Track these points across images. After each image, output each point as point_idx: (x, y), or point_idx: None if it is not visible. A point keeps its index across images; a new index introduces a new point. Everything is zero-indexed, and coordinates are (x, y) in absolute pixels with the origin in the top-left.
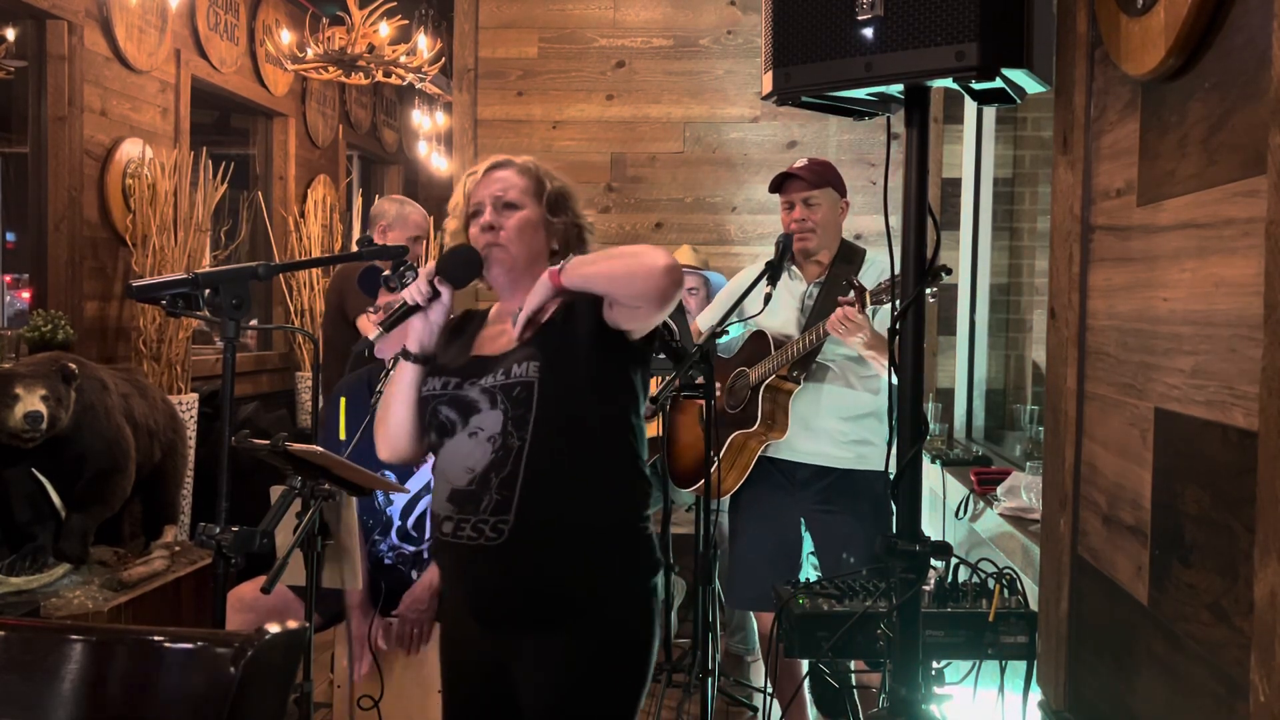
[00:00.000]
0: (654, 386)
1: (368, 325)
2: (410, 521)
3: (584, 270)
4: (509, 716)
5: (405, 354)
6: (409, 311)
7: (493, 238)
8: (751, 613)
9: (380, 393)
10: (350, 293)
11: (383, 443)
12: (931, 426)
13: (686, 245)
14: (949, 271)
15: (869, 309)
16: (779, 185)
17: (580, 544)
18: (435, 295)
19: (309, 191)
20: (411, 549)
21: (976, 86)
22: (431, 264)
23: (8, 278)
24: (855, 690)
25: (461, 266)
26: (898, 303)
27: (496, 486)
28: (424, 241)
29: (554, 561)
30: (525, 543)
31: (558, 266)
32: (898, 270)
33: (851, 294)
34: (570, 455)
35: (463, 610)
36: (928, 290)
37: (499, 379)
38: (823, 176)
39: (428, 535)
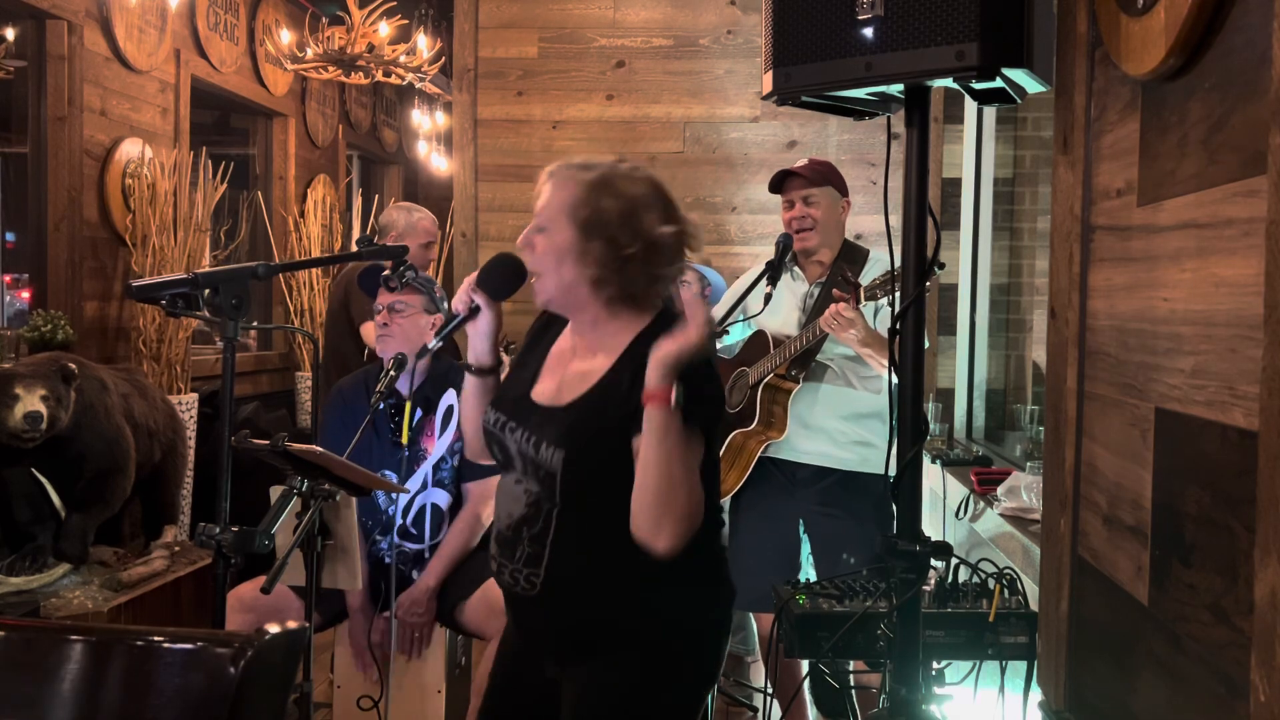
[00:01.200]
0: None
1: (371, 331)
2: (410, 519)
3: (654, 448)
4: None
5: (465, 365)
6: (453, 322)
7: (529, 262)
8: (751, 613)
9: (380, 392)
10: (355, 296)
11: (467, 445)
12: (931, 426)
13: None
14: (943, 266)
15: (865, 305)
16: (779, 184)
17: (618, 592)
18: (475, 306)
19: (309, 191)
20: (412, 547)
21: (976, 86)
22: (470, 277)
23: (7, 278)
24: (855, 690)
25: (500, 278)
26: (896, 300)
27: (529, 540)
28: (435, 246)
29: (591, 610)
30: (557, 596)
31: (671, 399)
32: (898, 269)
33: (848, 289)
34: (602, 523)
35: (512, 638)
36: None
37: (529, 449)
38: (823, 175)
39: (428, 533)
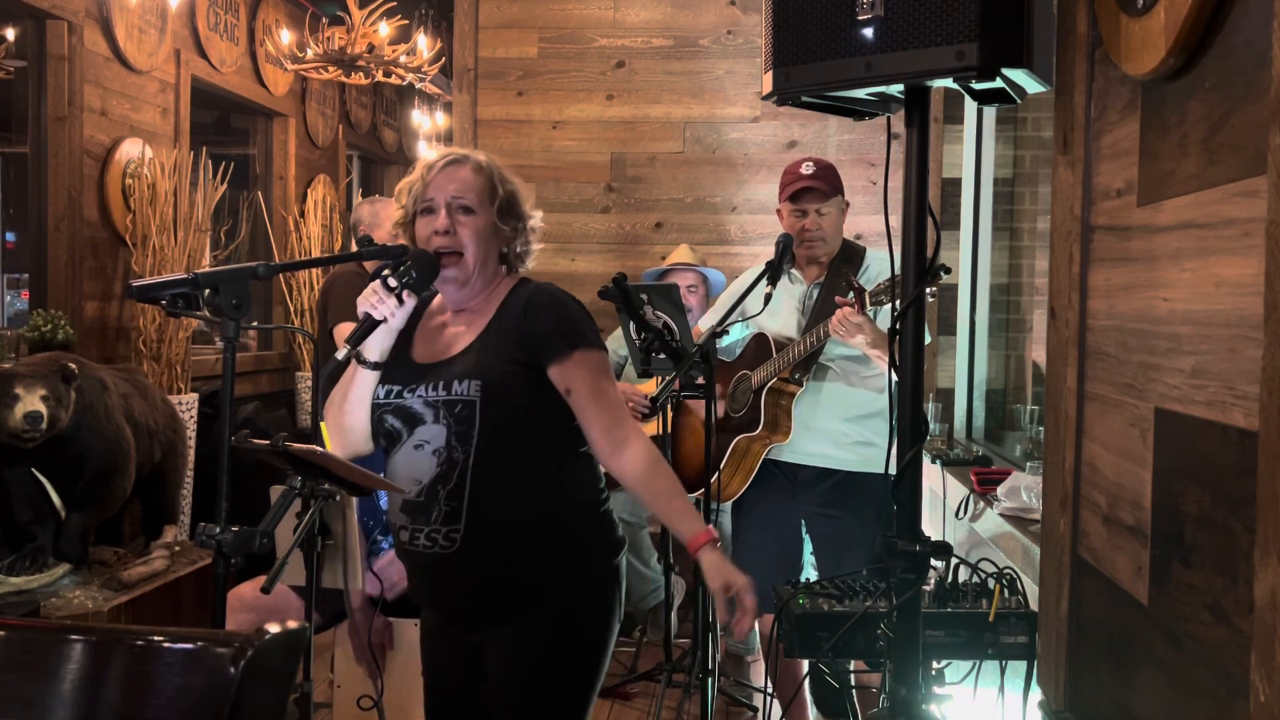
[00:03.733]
0: (654, 386)
1: (345, 333)
2: None
3: (695, 516)
4: (478, 695)
5: (363, 361)
6: (375, 324)
7: (447, 242)
8: None
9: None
10: (332, 301)
11: (337, 443)
12: (931, 426)
13: (684, 244)
14: (948, 270)
15: (869, 309)
16: (796, 196)
17: (533, 541)
18: (401, 305)
19: (309, 191)
20: None
21: (976, 86)
22: (388, 275)
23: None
24: (855, 690)
25: (428, 273)
26: (897, 302)
27: (444, 498)
28: (408, 249)
29: (509, 561)
30: (478, 549)
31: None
32: (898, 270)
33: (851, 295)
34: (514, 462)
35: (429, 608)
36: (928, 290)
37: (440, 393)
38: (834, 185)
39: None
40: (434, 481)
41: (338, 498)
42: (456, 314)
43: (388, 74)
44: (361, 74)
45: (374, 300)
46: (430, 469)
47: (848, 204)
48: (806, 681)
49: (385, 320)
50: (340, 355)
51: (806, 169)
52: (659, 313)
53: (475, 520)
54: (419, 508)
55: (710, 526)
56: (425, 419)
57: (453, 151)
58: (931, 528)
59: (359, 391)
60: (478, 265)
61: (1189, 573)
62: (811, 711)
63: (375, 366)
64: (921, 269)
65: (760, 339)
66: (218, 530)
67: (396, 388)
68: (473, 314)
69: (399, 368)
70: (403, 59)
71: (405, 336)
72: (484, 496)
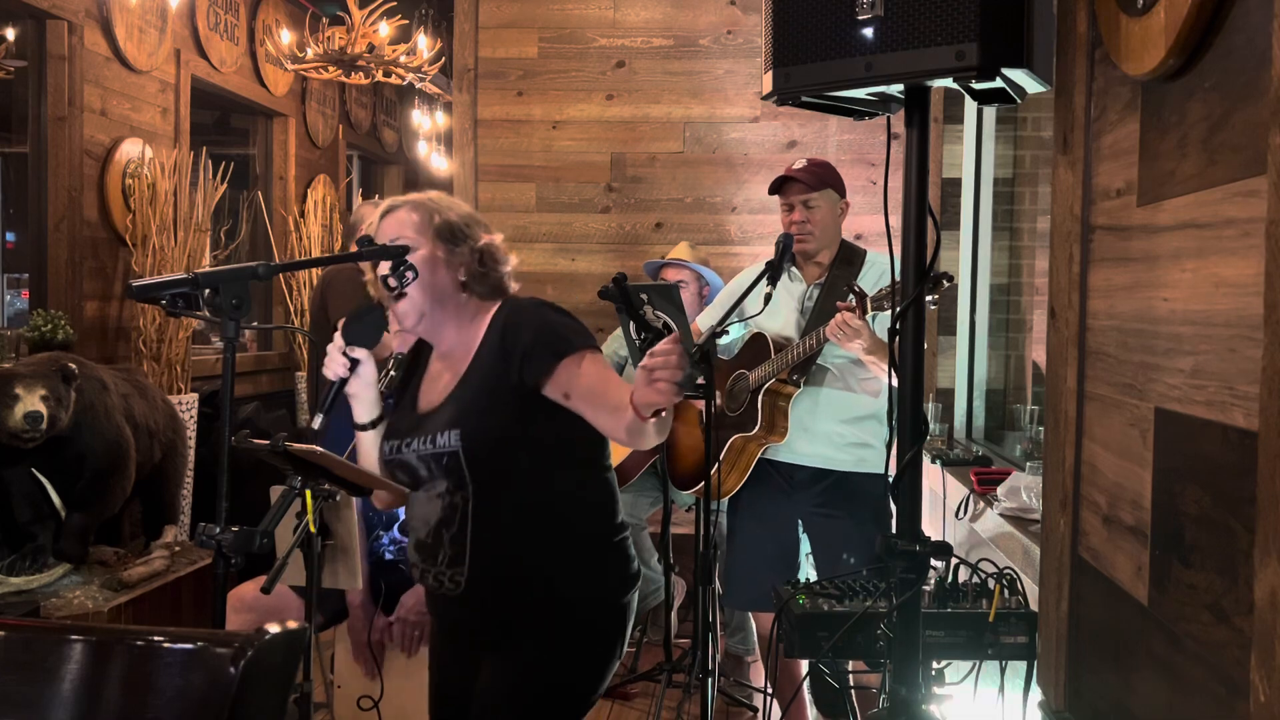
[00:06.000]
0: None
1: None
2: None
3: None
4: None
5: (357, 425)
6: (341, 387)
7: (392, 283)
8: (751, 613)
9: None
10: (332, 296)
11: (379, 501)
12: (931, 427)
13: (684, 242)
14: (951, 279)
15: (869, 314)
16: (778, 187)
17: (538, 579)
18: (355, 363)
19: (309, 191)
20: None
21: (976, 86)
22: (338, 337)
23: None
24: (855, 690)
25: (367, 330)
26: (898, 307)
27: (448, 542)
28: (409, 250)
29: (515, 599)
30: (483, 591)
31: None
32: (898, 272)
33: (851, 299)
34: (514, 503)
35: (438, 637)
36: (929, 297)
37: (428, 447)
38: (822, 178)
39: None
40: (438, 525)
41: (338, 498)
42: (443, 357)
43: (388, 74)
44: (361, 74)
45: (328, 363)
46: (435, 512)
47: (847, 204)
48: (806, 681)
49: (343, 380)
50: (316, 425)
51: (796, 165)
52: (659, 313)
53: (478, 564)
54: (428, 550)
55: None
56: (421, 472)
57: (391, 201)
58: (931, 528)
59: (364, 453)
60: (426, 304)
61: (1189, 573)
62: (811, 711)
63: (367, 427)
64: (921, 269)
65: (758, 338)
66: (218, 530)
67: (397, 442)
68: (457, 354)
69: (403, 418)
70: (403, 59)
71: (416, 384)
72: (485, 540)
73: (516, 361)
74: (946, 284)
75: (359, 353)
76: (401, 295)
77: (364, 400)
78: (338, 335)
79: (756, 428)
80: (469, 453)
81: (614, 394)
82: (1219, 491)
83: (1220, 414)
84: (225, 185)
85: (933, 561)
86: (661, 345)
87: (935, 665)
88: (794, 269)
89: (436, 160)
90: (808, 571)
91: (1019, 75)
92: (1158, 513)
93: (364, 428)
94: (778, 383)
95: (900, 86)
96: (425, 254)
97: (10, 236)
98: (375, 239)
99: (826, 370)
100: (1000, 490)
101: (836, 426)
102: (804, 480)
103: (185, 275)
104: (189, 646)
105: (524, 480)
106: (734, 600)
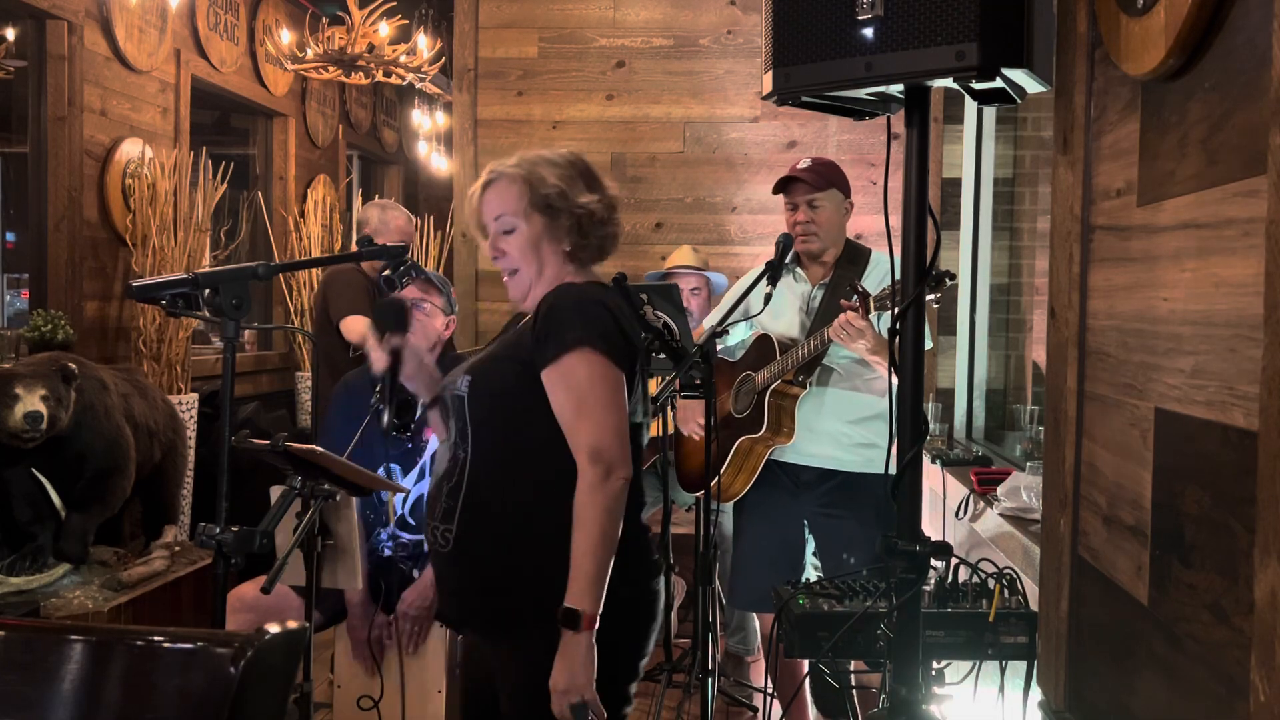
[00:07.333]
0: (654, 387)
1: (353, 325)
2: (408, 509)
3: (587, 589)
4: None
5: (425, 405)
6: (393, 379)
7: (501, 265)
8: (752, 613)
9: (379, 393)
10: (333, 296)
11: None
12: (931, 427)
13: (687, 245)
14: (953, 278)
15: (872, 314)
16: (782, 187)
17: (528, 549)
18: (396, 353)
19: (309, 191)
20: (410, 538)
21: (976, 86)
22: (371, 335)
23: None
24: (855, 690)
25: (389, 318)
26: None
27: (445, 495)
28: (408, 250)
29: (500, 566)
30: (469, 551)
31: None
32: (898, 272)
33: (855, 299)
34: (510, 464)
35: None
36: (930, 295)
37: (453, 388)
38: (826, 178)
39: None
40: (442, 478)
41: (338, 497)
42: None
43: (388, 74)
44: (361, 74)
45: (373, 363)
46: (443, 463)
47: (851, 204)
48: (806, 681)
49: (392, 371)
50: (386, 421)
51: (801, 164)
52: (659, 313)
53: (466, 520)
54: (431, 501)
55: (596, 614)
56: (450, 416)
57: (490, 170)
58: (931, 528)
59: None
60: (533, 278)
61: (1189, 573)
62: (811, 711)
63: (434, 404)
64: (921, 269)
65: (764, 340)
66: (218, 530)
67: (450, 380)
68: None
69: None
70: (403, 59)
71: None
72: (476, 497)
73: (532, 344)
74: (948, 282)
75: (394, 340)
76: (514, 272)
77: (419, 382)
78: (370, 333)
79: (763, 429)
80: (471, 398)
81: (571, 430)
82: (1219, 491)
83: (1220, 414)
84: (225, 185)
85: (933, 561)
86: None
87: (935, 665)
88: (798, 269)
89: (436, 160)
90: (812, 572)
91: (1019, 75)
92: (1158, 513)
93: (429, 407)
94: (783, 384)
95: (900, 86)
96: (526, 234)
97: (10, 236)
98: (479, 213)
99: (832, 371)
100: (1000, 490)
101: (842, 427)
102: (810, 481)
103: (185, 275)
104: (189, 646)
105: (523, 440)
106: (738, 600)
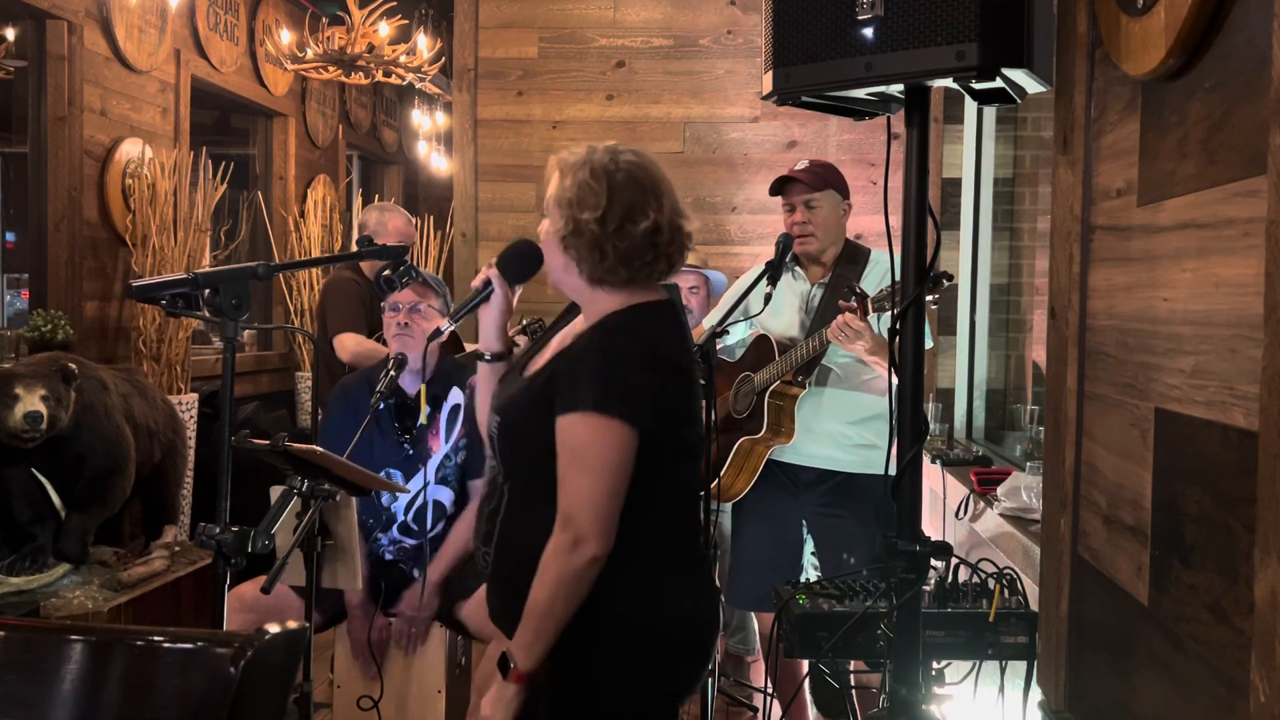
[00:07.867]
0: None
1: (347, 343)
2: (411, 515)
3: (528, 644)
4: None
5: (478, 355)
6: (470, 302)
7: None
8: (752, 613)
9: (380, 392)
10: (330, 308)
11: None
12: (932, 427)
13: None
14: (951, 278)
15: (871, 315)
16: (779, 188)
17: None
18: (487, 286)
19: (309, 191)
20: (410, 542)
21: (976, 86)
22: (492, 261)
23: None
24: (855, 690)
25: (517, 261)
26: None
27: (487, 517)
28: (408, 250)
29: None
30: (504, 576)
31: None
32: (898, 273)
33: (853, 300)
34: (543, 504)
35: None
36: (929, 296)
37: (491, 420)
38: (823, 179)
39: (429, 528)
40: (485, 499)
41: (338, 498)
42: (561, 336)
43: (388, 74)
44: (361, 74)
45: (480, 277)
46: (488, 486)
47: (849, 204)
48: (806, 681)
49: (477, 297)
50: (444, 327)
51: (797, 165)
52: None
53: (502, 547)
54: (479, 519)
55: (529, 671)
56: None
57: (564, 152)
58: (931, 528)
59: (481, 390)
60: (554, 273)
61: (1189, 573)
62: (811, 711)
63: (492, 359)
64: (921, 269)
65: (762, 340)
66: (218, 530)
67: (495, 400)
68: (565, 340)
69: (508, 376)
70: (403, 59)
71: (546, 339)
72: (512, 525)
73: (560, 384)
74: (946, 283)
75: (495, 279)
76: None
77: (486, 330)
78: (492, 260)
79: (763, 430)
80: (502, 439)
81: (563, 496)
82: (1219, 491)
83: (1220, 414)
84: (225, 185)
85: (933, 561)
86: None
87: (935, 665)
88: (798, 269)
89: (436, 160)
90: (811, 572)
91: (1019, 75)
92: (1158, 513)
93: (481, 357)
94: (783, 384)
95: (900, 86)
96: (550, 227)
97: (10, 236)
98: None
99: (831, 371)
100: (1000, 490)
101: (842, 427)
102: (810, 481)
103: (185, 275)
104: (189, 646)
105: (550, 484)
106: (737, 600)
